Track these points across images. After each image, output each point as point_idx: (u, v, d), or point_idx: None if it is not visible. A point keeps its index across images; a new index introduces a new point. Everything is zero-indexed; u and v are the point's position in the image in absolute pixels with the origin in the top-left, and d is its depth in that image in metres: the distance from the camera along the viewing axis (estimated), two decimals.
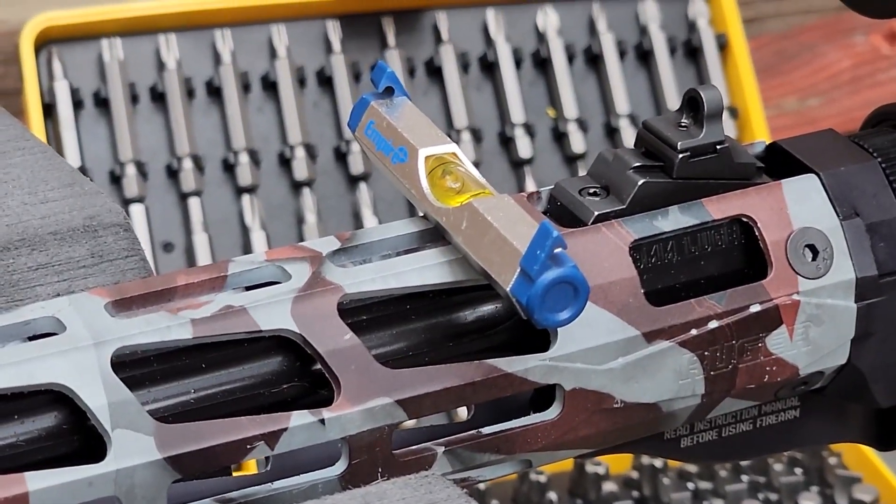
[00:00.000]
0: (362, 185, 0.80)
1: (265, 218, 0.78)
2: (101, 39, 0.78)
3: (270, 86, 0.79)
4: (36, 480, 0.24)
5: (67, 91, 0.76)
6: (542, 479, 0.69)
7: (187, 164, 0.77)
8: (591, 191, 0.33)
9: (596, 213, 0.32)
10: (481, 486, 0.66)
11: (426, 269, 0.30)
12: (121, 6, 0.78)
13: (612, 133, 0.81)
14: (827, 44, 0.98)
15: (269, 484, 0.28)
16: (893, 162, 0.36)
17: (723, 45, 0.83)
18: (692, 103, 0.33)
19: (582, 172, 0.57)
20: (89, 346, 0.26)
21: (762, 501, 0.71)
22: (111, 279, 0.37)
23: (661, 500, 0.72)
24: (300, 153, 0.78)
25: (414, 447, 0.29)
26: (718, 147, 0.32)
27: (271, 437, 0.26)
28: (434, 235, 0.31)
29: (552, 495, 0.67)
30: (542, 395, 0.31)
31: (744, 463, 0.74)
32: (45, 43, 0.76)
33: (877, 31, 0.96)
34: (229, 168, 0.76)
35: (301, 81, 0.80)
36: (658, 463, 0.74)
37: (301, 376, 0.29)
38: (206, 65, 0.79)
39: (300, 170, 0.76)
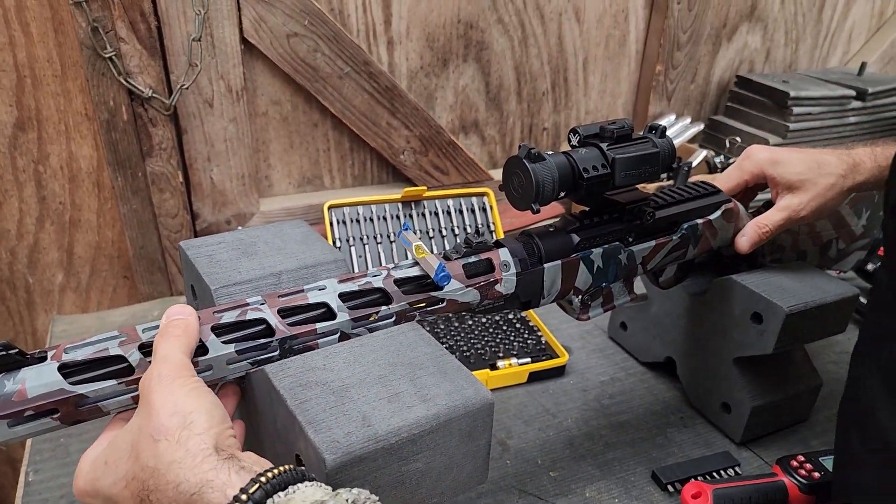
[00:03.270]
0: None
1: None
2: (346, 207, 1.03)
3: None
4: (321, 326, 0.46)
5: (336, 224, 1.01)
6: None
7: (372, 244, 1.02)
8: (464, 249, 0.55)
9: (454, 256, 0.54)
10: None
11: (414, 270, 0.52)
12: (354, 198, 1.03)
13: None
14: None
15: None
16: (525, 242, 0.58)
17: (491, 207, 1.10)
18: (469, 239, 0.56)
19: None
20: (333, 292, 0.54)
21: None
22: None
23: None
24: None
25: (409, 314, 0.51)
26: (476, 243, 0.55)
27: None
28: (417, 264, 0.53)
29: None
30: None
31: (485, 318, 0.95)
32: (330, 207, 1.01)
33: None
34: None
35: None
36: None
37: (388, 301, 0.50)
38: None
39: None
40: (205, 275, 0.56)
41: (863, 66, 1.56)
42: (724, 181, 0.75)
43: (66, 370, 0.42)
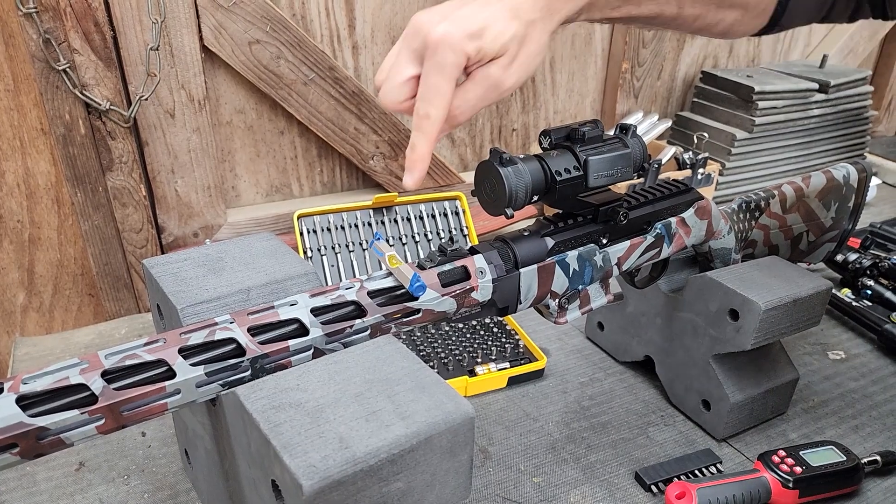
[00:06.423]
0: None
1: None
2: (316, 216, 0.99)
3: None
4: (294, 343, 0.44)
5: (307, 233, 0.98)
6: None
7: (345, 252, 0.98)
8: (438, 257, 0.54)
9: (428, 265, 0.53)
10: None
11: (387, 281, 0.51)
12: (324, 207, 0.99)
13: None
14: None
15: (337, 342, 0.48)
16: (499, 247, 0.57)
17: (463, 211, 1.08)
18: (443, 247, 0.55)
19: None
20: (305, 307, 0.53)
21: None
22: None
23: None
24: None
25: (384, 326, 0.49)
26: (450, 251, 0.54)
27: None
28: (390, 275, 0.51)
29: None
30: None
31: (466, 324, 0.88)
32: (300, 217, 0.97)
33: None
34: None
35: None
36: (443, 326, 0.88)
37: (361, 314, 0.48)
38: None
39: None
40: (170, 294, 0.54)
41: (824, 58, 1.58)
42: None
43: (25, 402, 0.40)
